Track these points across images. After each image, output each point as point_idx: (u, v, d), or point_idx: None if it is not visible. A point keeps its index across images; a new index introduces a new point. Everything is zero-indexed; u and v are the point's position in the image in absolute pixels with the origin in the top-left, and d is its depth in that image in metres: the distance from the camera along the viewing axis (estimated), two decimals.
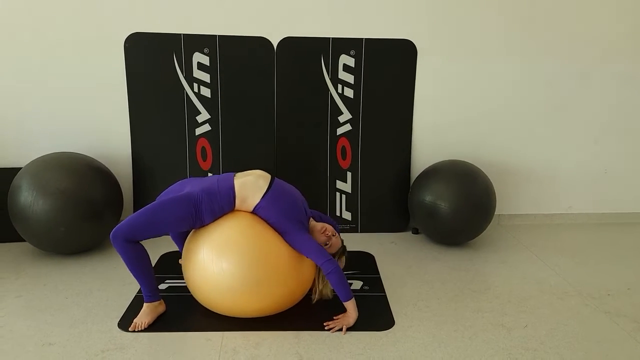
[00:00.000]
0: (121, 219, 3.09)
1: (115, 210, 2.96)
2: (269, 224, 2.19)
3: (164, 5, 3.09)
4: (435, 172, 3.15)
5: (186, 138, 3.25)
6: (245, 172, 2.29)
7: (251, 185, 2.19)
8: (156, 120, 3.21)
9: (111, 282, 2.58)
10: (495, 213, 3.19)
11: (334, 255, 2.29)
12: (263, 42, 3.18)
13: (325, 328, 2.15)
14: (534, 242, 3.30)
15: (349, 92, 3.31)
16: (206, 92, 3.21)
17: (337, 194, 3.40)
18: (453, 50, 3.33)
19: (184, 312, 2.29)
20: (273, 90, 3.25)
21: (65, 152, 3.00)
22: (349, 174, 3.40)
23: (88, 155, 3.04)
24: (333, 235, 2.28)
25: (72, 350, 1.99)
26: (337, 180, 3.40)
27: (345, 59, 3.27)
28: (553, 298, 2.53)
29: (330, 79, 3.28)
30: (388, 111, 3.36)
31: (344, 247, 2.35)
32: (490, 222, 3.13)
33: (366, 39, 3.25)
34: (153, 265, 2.76)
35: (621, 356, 2.05)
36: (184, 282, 2.56)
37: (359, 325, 2.18)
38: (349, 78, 3.29)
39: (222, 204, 2.16)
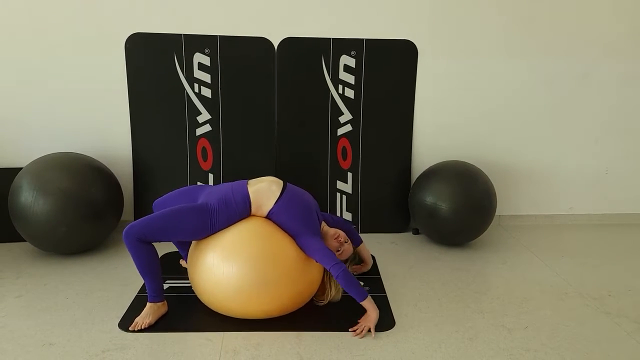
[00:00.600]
0: (122, 219, 3.10)
1: (115, 210, 2.96)
2: (282, 228, 2.22)
3: (164, 6, 3.09)
4: (435, 172, 3.15)
5: (187, 138, 3.25)
6: (257, 179, 2.33)
7: (265, 191, 2.23)
8: (157, 120, 3.21)
9: (112, 282, 2.58)
10: (495, 214, 3.18)
11: (345, 261, 2.31)
12: (264, 42, 3.18)
13: (352, 335, 2.13)
14: (535, 243, 3.30)
15: (349, 93, 3.31)
16: (207, 92, 3.21)
17: (338, 194, 3.40)
18: (454, 50, 3.33)
19: (184, 313, 2.28)
20: (274, 90, 3.25)
21: (66, 152, 3.00)
22: (349, 175, 3.40)
23: (88, 155, 3.04)
24: (345, 242, 2.32)
25: (72, 350, 1.99)
26: (337, 181, 3.40)
27: (346, 60, 3.27)
28: (554, 299, 2.53)
29: (330, 80, 3.28)
30: (389, 112, 3.36)
31: (355, 254, 2.36)
32: (490, 222, 3.13)
33: (367, 40, 3.25)
34: None
35: (622, 357, 2.05)
36: (185, 282, 2.56)
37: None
38: (350, 78, 3.29)
39: (239, 212, 2.20)
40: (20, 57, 3.06)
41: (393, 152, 3.42)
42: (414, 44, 3.28)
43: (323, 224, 2.38)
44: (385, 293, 2.51)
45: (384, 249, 3.13)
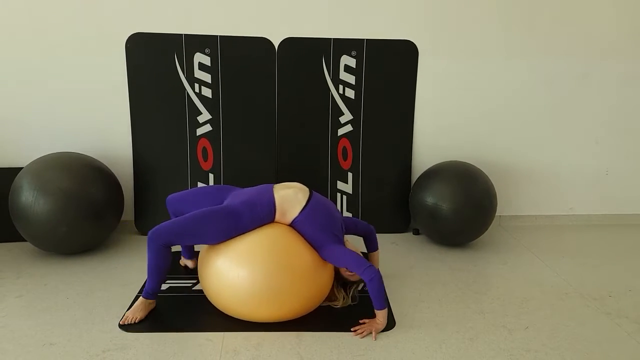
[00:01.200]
0: (122, 219, 3.10)
1: (116, 210, 2.96)
2: (305, 237, 2.21)
3: (165, 6, 3.09)
4: (436, 173, 3.15)
5: (187, 138, 3.25)
6: (284, 184, 2.32)
7: (291, 199, 2.22)
8: (157, 120, 3.21)
9: (112, 282, 2.58)
10: (496, 214, 3.19)
11: (354, 283, 2.32)
12: (264, 42, 3.18)
13: (353, 334, 2.13)
14: (535, 243, 3.30)
15: (350, 93, 3.31)
16: (207, 92, 3.21)
17: (338, 194, 3.40)
18: (454, 50, 3.33)
19: (185, 313, 2.28)
20: (274, 90, 3.25)
21: (66, 152, 3.00)
22: (350, 175, 3.40)
23: (89, 155, 3.04)
24: None
25: (72, 350, 1.99)
26: (338, 181, 3.40)
27: (347, 60, 3.27)
28: (554, 299, 2.53)
29: (331, 80, 3.28)
30: (389, 112, 3.36)
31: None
32: (491, 223, 3.13)
33: (367, 40, 3.25)
34: None
35: (622, 357, 2.05)
36: (185, 282, 2.56)
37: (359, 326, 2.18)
38: (350, 79, 3.29)
39: (263, 217, 2.19)
40: (21, 57, 3.06)
41: (393, 153, 3.42)
42: (415, 44, 3.28)
43: (346, 241, 2.36)
44: (385, 293, 2.50)
45: (385, 250, 3.12)
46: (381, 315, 2.16)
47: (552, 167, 3.61)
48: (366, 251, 2.65)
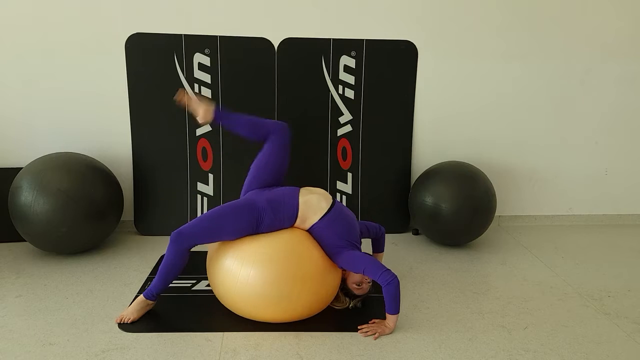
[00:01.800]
0: (121, 219, 3.10)
1: (115, 210, 2.96)
2: (320, 243, 2.22)
3: (164, 6, 3.09)
4: (435, 173, 3.15)
5: (187, 138, 3.25)
6: (308, 189, 2.32)
7: (313, 205, 2.23)
8: (157, 120, 3.21)
9: (112, 282, 2.58)
10: (495, 214, 3.19)
11: (355, 296, 2.31)
12: (264, 42, 3.18)
13: (360, 332, 2.14)
14: (535, 244, 3.30)
15: (349, 93, 3.31)
16: (207, 92, 3.21)
17: (338, 194, 3.40)
18: (454, 51, 3.33)
19: (184, 313, 2.29)
20: (274, 91, 3.25)
21: (66, 152, 3.00)
22: (349, 175, 3.40)
23: (89, 155, 3.04)
24: (368, 283, 2.28)
25: (72, 350, 1.99)
26: (337, 181, 3.40)
27: (346, 60, 3.27)
28: (553, 299, 2.54)
29: (331, 80, 3.28)
30: (389, 112, 3.36)
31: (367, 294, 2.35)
32: (490, 223, 3.14)
33: (367, 40, 3.25)
34: (153, 266, 2.78)
35: (621, 357, 2.05)
36: (185, 283, 2.56)
37: (359, 327, 2.18)
38: (350, 79, 3.29)
39: (284, 220, 2.20)
40: (21, 57, 3.06)
41: (393, 153, 3.42)
42: (414, 45, 3.28)
43: None
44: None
45: (384, 250, 3.12)
46: (392, 320, 2.15)
47: (551, 168, 3.61)
48: (371, 253, 2.64)
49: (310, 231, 2.24)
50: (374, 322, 2.19)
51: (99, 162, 3.01)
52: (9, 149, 3.14)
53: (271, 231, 2.20)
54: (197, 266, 2.57)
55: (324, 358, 1.98)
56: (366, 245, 2.61)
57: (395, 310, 2.14)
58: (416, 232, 3.43)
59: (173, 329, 2.15)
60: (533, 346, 2.11)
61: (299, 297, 2.11)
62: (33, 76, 3.09)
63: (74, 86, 3.13)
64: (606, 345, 2.13)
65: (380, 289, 2.32)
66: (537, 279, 2.77)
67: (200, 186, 3.28)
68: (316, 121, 3.32)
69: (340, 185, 3.40)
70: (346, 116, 3.33)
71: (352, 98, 3.32)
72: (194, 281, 2.59)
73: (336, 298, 2.33)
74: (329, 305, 2.32)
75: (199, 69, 3.18)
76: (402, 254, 3.09)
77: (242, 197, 2.39)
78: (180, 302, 2.37)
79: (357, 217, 3.41)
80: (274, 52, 3.20)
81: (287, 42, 3.19)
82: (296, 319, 2.19)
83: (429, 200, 3.05)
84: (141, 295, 2.22)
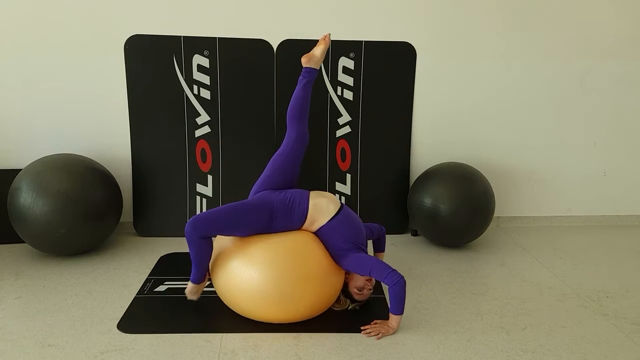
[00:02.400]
0: (121, 220, 3.10)
1: (114, 211, 2.97)
2: (326, 246, 2.24)
3: (164, 7, 3.09)
4: (434, 174, 3.16)
5: (186, 140, 3.25)
6: (318, 192, 2.36)
7: (322, 208, 2.27)
8: (156, 122, 3.22)
9: (111, 283, 2.58)
10: (494, 215, 3.19)
11: (354, 301, 2.32)
12: (263, 44, 3.19)
13: (363, 333, 2.14)
14: (533, 244, 3.31)
15: (348, 95, 3.32)
16: (206, 94, 3.22)
17: (337, 195, 3.41)
18: (452, 52, 3.34)
19: (183, 314, 2.29)
20: (273, 92, 3.26)
21: (65, 153, 3.00)
22: (348, 176, 3.41)
23: (88, 157, 3.04)
24: (369, 289, 2.30)
25: (71, 351, 1.99)
26: (336, 182, 3.40)
27: (345, 61, 3.28)
28: (552, 300, 2.54)
29: (329, 81, 3.29)
30: (387, 113, 3.37)
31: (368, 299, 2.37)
32: (489, 224, 3.14)
33: (366, 42, 3.26)
34: (152, 267, 2.78)
35: (619, 358, 2.06)
36: (184, 284, 2.56)
37: (358, 328, 2.18)
38: (349, 80, 3.30)
39: (293, 221, 2.23)
40: (20, 58, 3.06)
41: (392, 154, 3.42)
42: (413, 46, 3.29)
43: None
44: (384, 294, 2.51)
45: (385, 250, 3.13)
46: (395, 320, 2.15)
47: (550, 169, 3.62)
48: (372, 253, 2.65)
49: (318, 233, 2.27)
50: (376, 323, 2.19)
51: (98, 163, 3.01)
52: (8, 150, 3.14)
53: (280, 231, 2.22)
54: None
55: (322, 359, 1.98)
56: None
57: (400, 311, 2.14)
58: (415, 233, 3.44)
59: (172, 330, 2.15)
60: (531, 347, 2.11)
61: (301, 297, 2.11)
62: (33, 76, 3.10)
63: (73, 87, 3.14)
64: (604, 346, 2.13)
65: (380, 289, 2.33)
66: (535, 279, 2.77)
67: (200, 187, 3.29)
68: (315, 122, 3.32)
69: (339, 186, 3.40)
70: (345, 117, 3.34)
71: (351, 99, 3.32)
72: None
73: (336, 299, 2.33)
74: (328, 307, 2.32)
75: (198, 71, 3.19)
76: (400, 255, 3.09)
77: (251, 196, 2.41)
78: (179, 303, 2.37)
79: None
80: (272, 54, 3.20)
81: (286, 44, 3.20)
82: (298, 320, 2.19)
83: (427, 201, 3.05)
84: (189, 282, 2.26)
